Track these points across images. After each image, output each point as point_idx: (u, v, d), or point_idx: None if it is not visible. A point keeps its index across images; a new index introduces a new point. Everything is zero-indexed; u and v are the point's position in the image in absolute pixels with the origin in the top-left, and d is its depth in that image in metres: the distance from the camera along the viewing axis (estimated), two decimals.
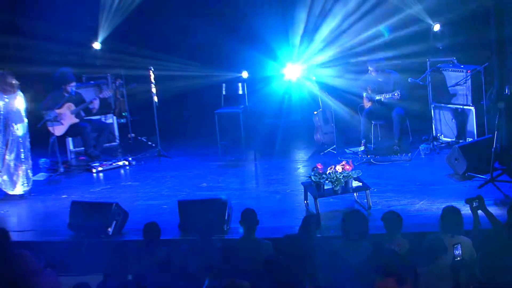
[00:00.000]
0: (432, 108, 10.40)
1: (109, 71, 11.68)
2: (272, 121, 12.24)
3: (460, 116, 10.15)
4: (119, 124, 11.72)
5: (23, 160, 9.12)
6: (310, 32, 11.76)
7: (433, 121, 10.42)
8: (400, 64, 10.60)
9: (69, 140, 11.03)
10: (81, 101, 10.50)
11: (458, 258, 5.16)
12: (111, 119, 11.61)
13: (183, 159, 10.71)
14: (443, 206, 6.15)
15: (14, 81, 8.99)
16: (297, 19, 11.80)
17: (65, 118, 10.24)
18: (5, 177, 9.09)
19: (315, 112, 10.71)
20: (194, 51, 12.22)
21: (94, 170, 10.16)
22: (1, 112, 8.99)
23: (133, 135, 11.48)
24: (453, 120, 10.25)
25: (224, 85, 11.17)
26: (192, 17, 12.38)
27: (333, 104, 10.40)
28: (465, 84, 9.96)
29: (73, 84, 10.39)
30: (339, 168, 7.86)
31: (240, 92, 11.00)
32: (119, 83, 11.12)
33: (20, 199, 9.13)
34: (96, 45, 12.36)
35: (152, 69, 10.69)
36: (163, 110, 10.83)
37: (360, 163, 9.60)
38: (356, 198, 8.12)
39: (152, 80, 10.66)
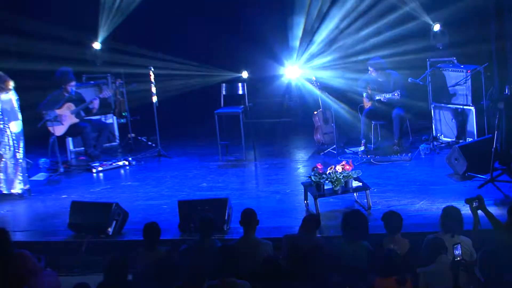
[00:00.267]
0: (432, 108, 10.40)
1: (109, 71, 11.67)
2: (272, 121, 12.26)
3: (460, 116, 10.15)
4: (119, 124, 11.71)
5: (19, 158, 9.10)
6: (310, 32, 11.77)
7: (433, 121, 10.42)
8: (399, 61, 10.61)
9: (69, 140, 11.03)
10: (81, 101, 10.49)
11: (458, 258, 5.16)
12: (111, 119, 11.60)
13: (183, 159, 10.71)
14: (443, 206, 6.16)
15: (10, 82, 8.98)
16: (297, 19, 11.81)
17: (65, 118, 10.23)
18: (1, 175, 9.07)
19: (315, 112, 10.71)
20: (194, 51, 12.22)
21: (94, 170, 10.15)
22: None
23: (133, 135, 11.48)
24: (453, 120, 10.25)
25: (224, 85, 11.16)
26: (192, 17, 12.40)
27: (333, 104, 10.39)
28: (465, 84, 9.96)
29: (73, 83, 10.39)
30: (339, 168, 7.86)
31: (240, 92, 10.99)
32: (119, 83, 11.11)
33: (20, 199, 9.12)
34: (96, 45, 12.37)
35: (152, 69, 10.69)
36: (163, 110, 10.83)
37: (360, 163, 9.60)
38: (356, 198, 8.12)
39: (152, 80, 10.66)
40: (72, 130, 10.41)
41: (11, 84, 8.98)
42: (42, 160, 10.45)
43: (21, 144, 9.14)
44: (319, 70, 11.30)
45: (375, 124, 10.47)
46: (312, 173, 7.89)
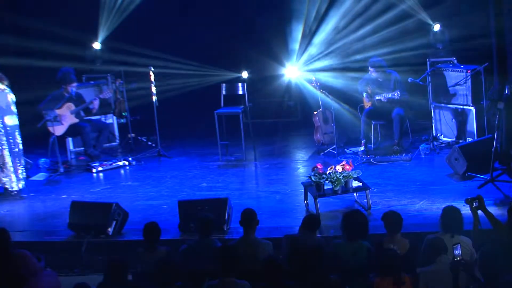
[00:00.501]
0: (432, 108, 10.40)
1: (109, 71, 11.68)
2: (272, 121, 12.26)
3: (460, 116, 10.15)
4: (119, 124, 11.71)
5: (16, 155, 9.10)
6: (309, 32, 11.77)
7: (433, 121, 10.42)
8: (398, 57, 10.62)
9: (69, 140, 11.02)
10: (81, 101, 10.49)
11: (458, 258, 5.16)
12: (111, 119, 11.60)
13: (183, 159, 10.71)
14: (443, 206, 6.15)
15: (5, 81, 8.99)
16: (296, 19, 11.81)
17: (65, 118, 10.23)
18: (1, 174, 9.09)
19: (315, 112, 10.71)
20: (194, 51, 12.22)
21: (94, 170, 10.15)
22: None
23: (133, 135, 11.48)
24: (453, 120, 10.25)
25: (224, 85, 11.16)
26: (192, 17, 12.40)
27: (333, 104, 10.40)
28: (465, 84, 9.96)
29: (74, 84, 10.39)
30: (339, 168, 7.86)
31: (240, 92, 10.98)
32: (119, 83, 11.11)
33: (20, 199, 9.12)
34: (96, 45, 12.37)
35: (152, 69, 10.69)
36: (163, 110, 10.83)
37: (360, 163, 9.60)
38: (356, 198, 8.12)
39: (152, 80, 10.66)
40: (72, 130, 10.41)
41: (5, 82, 8.99)
42: (42, 160, 10.46)
43: (18, 139, 9.13)
44: (318, 71, 11.29)
45: (375, 124, 10.47)
46: (312, 173, 7.89)
